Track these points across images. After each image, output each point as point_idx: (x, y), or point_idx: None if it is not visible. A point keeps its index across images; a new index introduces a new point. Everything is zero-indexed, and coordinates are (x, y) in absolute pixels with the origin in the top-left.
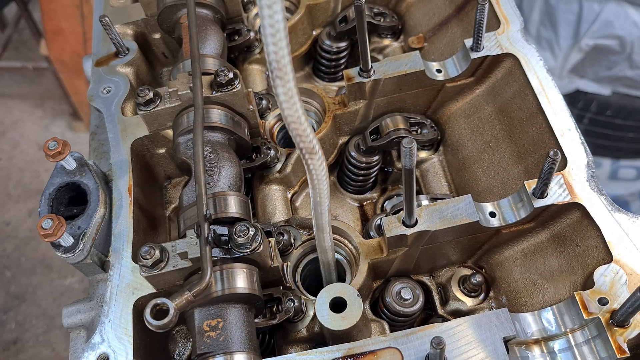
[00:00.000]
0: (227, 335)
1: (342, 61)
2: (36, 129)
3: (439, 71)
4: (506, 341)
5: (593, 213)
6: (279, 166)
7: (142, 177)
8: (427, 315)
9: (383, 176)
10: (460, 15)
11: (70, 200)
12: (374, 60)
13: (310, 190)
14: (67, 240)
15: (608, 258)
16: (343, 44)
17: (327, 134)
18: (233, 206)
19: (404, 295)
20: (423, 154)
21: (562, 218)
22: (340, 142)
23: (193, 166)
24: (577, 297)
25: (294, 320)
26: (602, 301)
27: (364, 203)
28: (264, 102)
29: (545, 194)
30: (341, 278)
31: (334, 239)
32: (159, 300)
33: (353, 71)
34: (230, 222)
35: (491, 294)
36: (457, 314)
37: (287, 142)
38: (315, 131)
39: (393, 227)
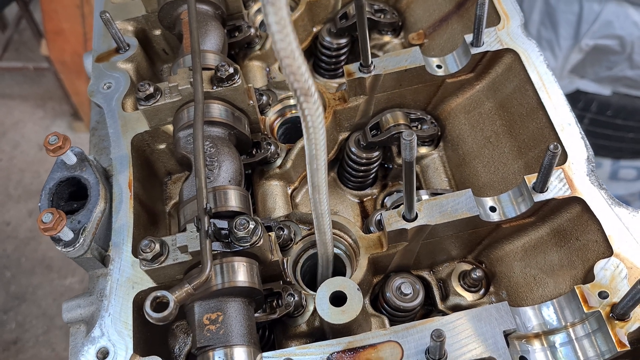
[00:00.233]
0: (227, 329)
1: (342, 58)
2: (37, 129)
3: (439, 67)
4: (506, 335)
5: (593, 207)
6: (279, 162)
7: (143, 173)
8: (428, 310)
9: (383, 172)
10: (460, 11)
11: (71, 195)
12: (374, 56)
13: (305, 141)
14: (67, 234)
15: (608, 252)
16: (343, 41)
17: (327, 129)
18: (233, 200)
19: (404, 290)
20: (423, 150)
21: (563, 212)
22: (341, 138)
23: (193, 160)
24: (577, 291)
25: (294, 314)
26: (603, 295)
27: (364, 199)
28: (265, 98)
29: (546, 188)
30: (341, 273)
31: (333, 233)
32: (159, 293)
33: (353, 66)
34: (230, 216)
35: (491, 289)
36: (458, 309)
37: (287, 138)
38: None
39: (393, 221)
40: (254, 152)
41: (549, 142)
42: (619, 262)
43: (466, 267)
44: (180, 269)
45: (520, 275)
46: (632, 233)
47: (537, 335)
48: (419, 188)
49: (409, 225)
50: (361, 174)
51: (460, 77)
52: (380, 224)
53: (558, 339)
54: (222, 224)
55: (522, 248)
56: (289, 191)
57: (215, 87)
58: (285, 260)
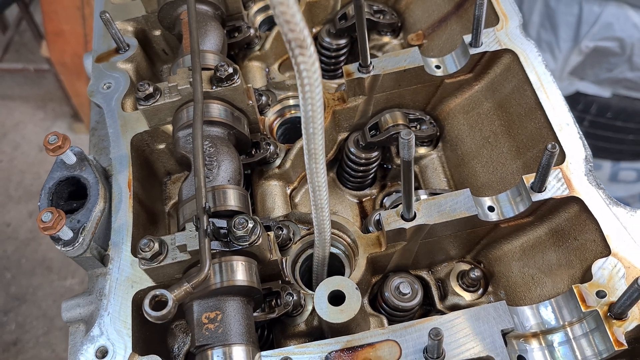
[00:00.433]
0: (226, 328)
1: (341, 58)
2: (37, 130)
3: (438, 67)
4: (504, 334)
5: (591, 207)
6: (278, 162)
7: (142, 172)
8: (426, 310)
9: (382, 172)
10: (459, 12)
11: (70, 195)
12: (374, 57)
13: (300, 102)
14: (66, 233)
15: (606, 251)
16: (343, 41)
17: (326, 129)
18: (232, 199)
19: (403, 289)
20: (422, 150)
21: (561, 212)
22: (340, 138)
23: (192, 160)
24: (575, 291)
25: (292, 314)
26: (600, 294)
27: (363, 199)
28: (264, 98)
29: (544, 188)
30: (340, 272)
31: (332, 233)
32: (157, 292)
33: (352, 67)
34: (229, 215)
35: (490, 288)
36: (456, 308)
37: (286, 138)
38: None
39: (392, 220)
40: (253, 152)
41: (547, 142)
42: (617, 261)
43: (465, 266)
44: (179, 268)
45: (518, 274)
46: (630, 232)
47: (535, 335)
48: (417, 188)
49: (407, 225)
50: (360, 174)
51: (459, 78)
52: (379, 224)
53: (556, 338)
54: (221, 223)
55: (520, 248)
56: (288, 191)
57: (214, 87)
58: (284, 260)
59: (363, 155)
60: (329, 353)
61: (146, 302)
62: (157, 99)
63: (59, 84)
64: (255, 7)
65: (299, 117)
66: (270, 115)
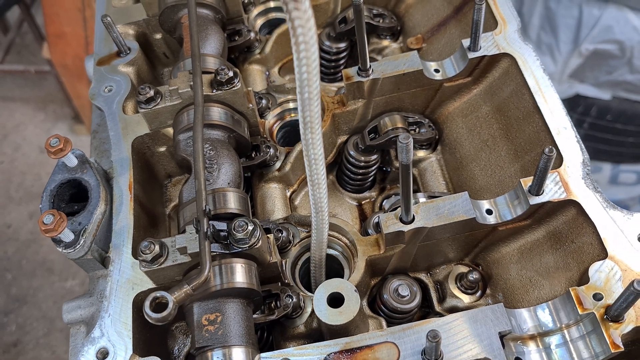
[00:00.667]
0: (226, 329)
1: (341, 62)
2: (38, 132)
3: (437, 71)
4: (502, 336)
5: (588, 210)
6: (278, 164)
7: (143, 175)
8: (425, 312)
9: (382, 175)
10: (458, 16)
11: (72, 197)
12: (373, 60)
13: (295, 61)
14: (67, 235)
15: (603, 254)
16: (342, 45)
17: (326, 132)
18: (232, 202)
19: (402, 292)
20: (421, 153)
21: (558, 215)
22: (339, 141)
23: (193, 162)
24: (572, 293)
25: (292, 316)
26: (597, 297)
27: (363, 202)
28: (264, 101)
29: (541, 191)
30: (339, 274)
31: (332, 235)
32: (158, 294)
33: (352, 70)
34: (229, 217)
35: (488, 291)
36: (454, 310)
37: (286, 141)
38: None
39: (390, 223)
40: (253, 155)
41: (545, 145)
42: (614, 264)
43: (463, 269)
44: (180, 270)
45: (516, 277)
46: (627, 236)
47: (532, 337)
48: (416, 191)
49: (406, 228)
50: (359, 177)
51: (457, 81)
52: (378, 227)
53: (553, 340)
54: (221, 225)
55: (518, 250)
56: (288, 194)
57: (215, 91)
58: (283, 262)
59: (362, 158)
60: (328, 355)
61: (147, 303)
62: (158, 102)
63: (60, 86)
64: (255, 11)
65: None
66: (271, 118)
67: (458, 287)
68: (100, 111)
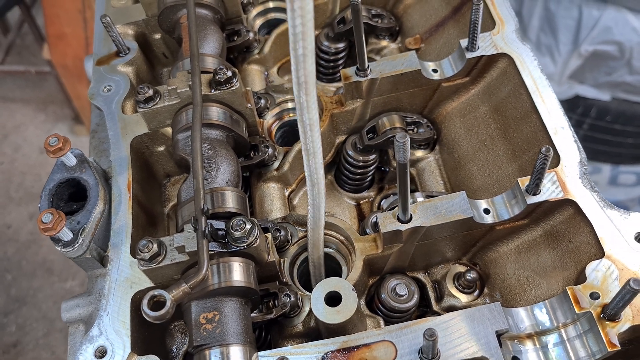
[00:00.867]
0: (223, 328)
1: (340, 62)
2: (38, 132)
3: (435, 71)
4: (499, 335)
5: (585, 209)
6: (276, 164)
7: (142, 175)
8: (423, 311)
9: (380, 175)
10: (456, 16)
11: (70, 196)
12: (372, 60)
13: (288, 12)
14: (66, 234)
15: (600, 253)
16: (341, 45)
17: (324, 132)
18: (230, 201)
19: (399, 291)
20: (419, 153)
21: (555, 214)
22: (338, 141)
23: (191, 162)
24: (569, 292)
25: (290, 315)
26: (594, 296)
27: (361, 202)
28: (263, 101)
29: (539, 191)
30: (337, 274)
31: (330, 235)
32: (156, 292)
33: (350, 70)
34: (228, 217)
35: (486, 290)
36: (452, 310)
37: (285, 141)
38: None
39: (388, 222)
40: (251, 154)
41: (542, 145)
42: (611, 263)
43: (461, 268)
44: (178, 269)
45: (513, 276)
46: (624, 235)
47: (529, 336)
48: (415, 191)
49: (403, 227)
50: (358, 176)
51: (455, 81)
52: (376, 226)
53: (550, 339)
54: (219, 224)
55: (515, 250)
56: (286, 193)
57: (213, 90)
58: (282, 262)
59: (361, 158)
60: (325, 353)
61: (144, 302)
62: (157, 101)
63: (60, 87)
64: (254, 11)
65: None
66: (269, 118)
67: (456, 287)
68: (100, 111)
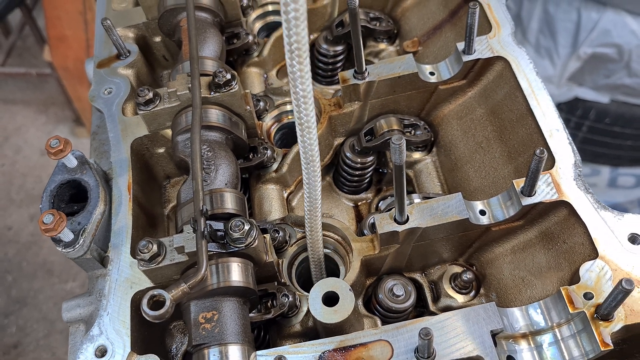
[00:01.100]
0: (222, 327)
1: (338, 65)
2: (39, 134)
3: (432, 74)
4: (494, 334)
5: (579, 211)
6: (275, 166)
7: (142, 176)
8: (420, 312)
9: (378, 177)
10: (453, 19)
11: (71, 197)
12: (370, 63)
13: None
14: (67, 235)
15: (594, 254)
16: (340, 48)
17: (322, 134)
18: (229, 202)
19: (396, 291)
20: (417, 155)
21: (550, 216)
22: (336, 143)
23: (191, 163)
24: (563, 292)
25: (288, 315)
26: (588, 296)
27: (359, 203)
28: (262, 103)
29: (534, 192)
30: (335, 274)
31: (328, 236)
32: (155, 292)
33: (348, 73)
34: (226, 218)
35: (482, 290)
36: (449, 310)
37: (283, 143)
38: None
39: (385, 223)
40: (250, 156)
41: (538, 147)
42: (604, 264)
43: (457, 269)
44: (177, 269)
45: (509, 277)
46: (617, 236)
47: (524, 336)
48: (412, 192)
49: (400, 228)
50: (356, 178)
51: (452, 84)
52: (373, 227)
53: (545, 339)
54: (218, 225)
55: (511, 251)
56: (285, 195)
57: (213, 93)
58: (280, 262)
59: (359, 159)
60: (323, 352)
61: (144, 301)
62: (157, 104)
63: (61, 89)
64: (253, 14)
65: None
66: (268, 120)
67: (452, 287)
68: (100, 113)
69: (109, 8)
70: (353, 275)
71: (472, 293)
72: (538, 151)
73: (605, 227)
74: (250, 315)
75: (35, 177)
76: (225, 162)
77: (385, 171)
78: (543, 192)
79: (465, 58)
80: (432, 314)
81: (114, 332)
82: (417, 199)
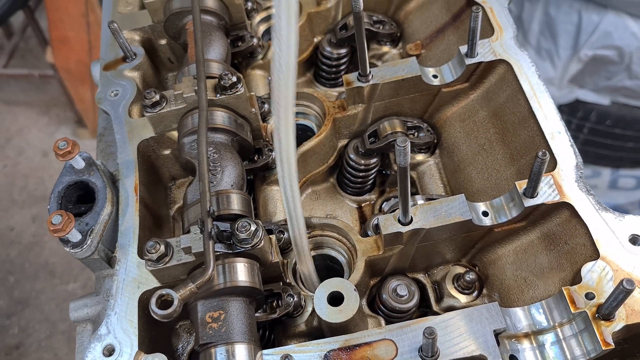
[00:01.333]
0: (229, 327)
1: (342, 67)
2: (41, 136)
3: (435, 76)
4: (497, 334)
5: (581, 212)
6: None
7: (148, 177)
8: (423, 312)
9: (381, 178)
10: (456, 23)
11: (79, 198)
12: (373, 66)
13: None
14: (75, 236)
15: (595, 255)
16: (343, 51)
17: (327, 136)
18: (235, 203)
19: (400, 292)
20: (420, 157)
21: (552, 217)
22: (340, 144)
23: (197, 165)
24: (565, 293)
25: (293, 315)
26: (589, 296)
27: (363, 204)
28: (267, 105)
29: (536, 194)
30: (339, 275)
31: (332, 237)
32: (164, 291)
33: (352, 76)
34: (233, 218)
35: (484, 291)
36: (452, 310)
37: None
38: (315, 134)
39: (389, 224)
40: (255, 158)
41: (540, 149)
42: (605, 264)
43: (460, 270)
44: (184, 269)
45: (511, 277)
46: (618, 237)
47: (526, 335)
48: (415, 193)
49: (404, 229)
50: (360, 180)
51: (455, 87)
52: (377, 228)
53: (547, 338)
54: (225, 226)
55: (513, 251)
56: None
57: (218, 95)
58: (285, 263)
59: (362, 161)
60: (328, 352)
61: (153, 301)
62: (163, 106)
63: (63, 90)
64: (258, 17)
65: (301, 125)
66: (273, 122)
67: (455, 287)
68: (107, 115)
69: (115, 11)
70: (357, 276)
71: (475, 293)
72: (540, 153)
73: (606, 228)
74: (256, 315)
75: (38, 178)
76: (231, 164)
77: (389, 173)
78: (545, 194)
79: (468, 61)
80: (435, 314)
81: (122, 331)
82: (420, 201)
